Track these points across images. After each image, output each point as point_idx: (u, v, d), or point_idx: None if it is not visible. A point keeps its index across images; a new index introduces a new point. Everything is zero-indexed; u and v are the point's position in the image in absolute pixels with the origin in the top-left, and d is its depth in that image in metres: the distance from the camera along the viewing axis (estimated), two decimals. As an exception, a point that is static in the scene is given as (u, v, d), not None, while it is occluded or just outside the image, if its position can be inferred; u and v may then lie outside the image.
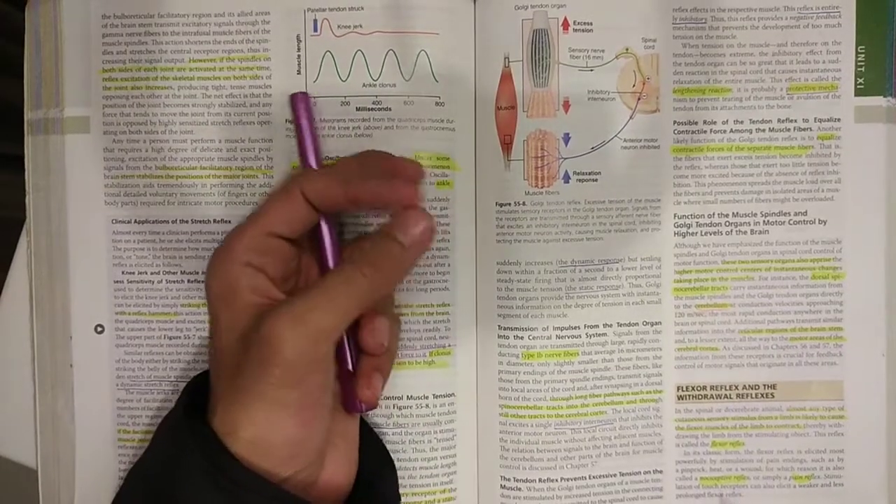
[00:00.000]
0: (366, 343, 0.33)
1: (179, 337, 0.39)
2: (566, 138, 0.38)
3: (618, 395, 0.39)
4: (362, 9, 0.38)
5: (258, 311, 0.32)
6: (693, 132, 0.39)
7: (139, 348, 0.39)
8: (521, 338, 0.39)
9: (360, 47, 0.38)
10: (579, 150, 0.39)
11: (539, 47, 0.38)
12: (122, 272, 0.39)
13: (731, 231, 0.39)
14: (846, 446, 0.39)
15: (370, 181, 0.33)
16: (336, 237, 0.36)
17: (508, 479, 0.39)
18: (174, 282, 0.39)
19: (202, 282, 0.39)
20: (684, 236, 0.39)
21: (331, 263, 0.35)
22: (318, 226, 0.35)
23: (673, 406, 0.40)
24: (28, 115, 0.40)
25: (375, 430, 0.38)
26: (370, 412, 0.38)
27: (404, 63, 0.38)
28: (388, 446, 0.38)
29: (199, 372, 0.37)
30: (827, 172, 0.39)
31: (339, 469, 0.34)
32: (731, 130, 0.39)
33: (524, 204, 0.38)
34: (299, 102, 0.37)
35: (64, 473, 0.39)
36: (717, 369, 0.40)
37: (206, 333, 0.39)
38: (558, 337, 0.39)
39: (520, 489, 0.39)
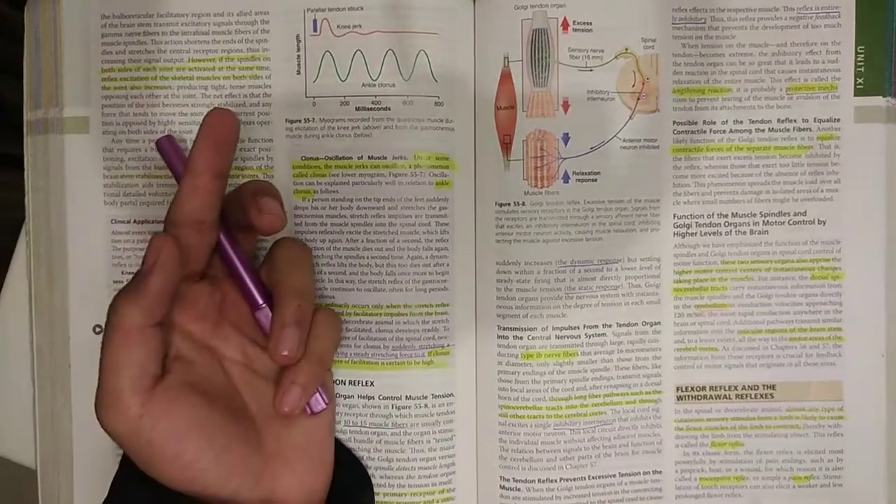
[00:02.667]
0: (271, 354, 0.33)
1: (179, 337, 0.39)
2: (566, 138, 0.38)
3: (617, 395, 0.39)
4: (362, 9, 0.38)
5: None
6: (692, 132, 0.39)
7: (138, 348, 0.39)
8: (521, 338, 0.39)
9: (360, 47, 0.38)
10: (579, 150, 0.39)
11: (539, 47, 0.38)
12: (122, 272, 0.39)
13: (731, 231, 0.39)
14: (845, 447, 0.39)
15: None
16: (235, 242, 0.34)
17: (507, 480, 0.39)
18: (173, 282, 0.39)
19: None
20: (684, 236, 0.39)
21: (240, 269, 0.34)
22: (218, 240, 0.34)
23: (672, 406, 0.40)
24: (28, 115, 0.40)
25: (374, 430, 0.38)
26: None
27: (404, 63, 0.38)
28: (387, 446, 0.38)
29: None
30: (826, 172, 0.39)
31: (299, 486, 0.34)
32: (731, 130, 0.39)
33: (524, 204, 0.38)
34: (167, 146, 0.35)
35: (63, 474, 0.39)
36: (717, 370, 0.40)
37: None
38: (558, 337, 0.39)
39: (519, 489, 0.39)
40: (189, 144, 0.39)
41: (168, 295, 0.30)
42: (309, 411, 0.34)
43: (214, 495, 0.31)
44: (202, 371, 0.33)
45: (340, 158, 0.38)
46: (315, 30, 0.38)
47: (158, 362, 0.31)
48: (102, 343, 0.30)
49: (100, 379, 0.30)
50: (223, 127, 0.32)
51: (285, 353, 0.32)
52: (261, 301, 0.34)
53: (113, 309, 0.30)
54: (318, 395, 0.34)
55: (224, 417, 0.32)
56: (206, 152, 0.32)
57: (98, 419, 0.30)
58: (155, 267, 0.30)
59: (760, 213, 0.39)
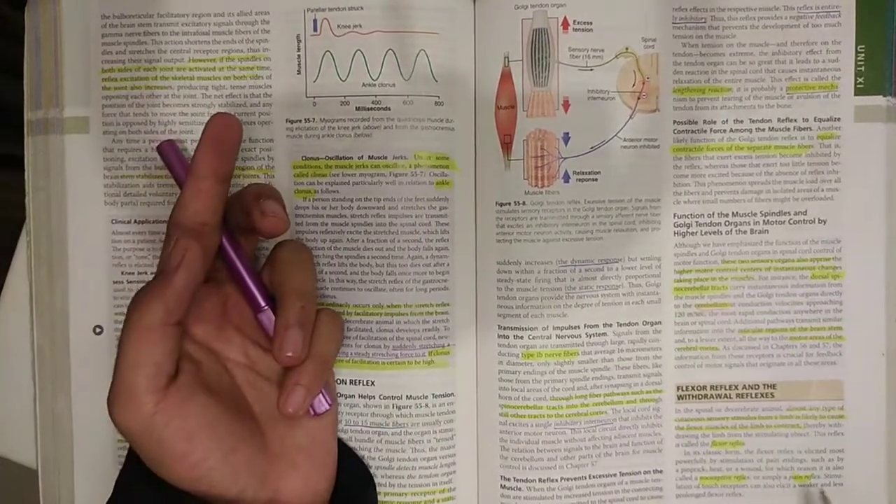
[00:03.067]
0: (275, 356, 0.33)
1: (179, 337, 0.39)
2: (566, 138, 0.38)
3: (618, 394, 0.39)
4: (362, 9, 0.38)
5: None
6: (693, 132, 0.39)
7: (139, 348, 0.39)
8: (521, 337, 0.39)
9: (360, 47, 0.38)
10: (579, 150, 0.39)
11: (539, 47, 0.38)
12: (122, 272, 0.39)
13: (731, 231, 0.39)
14: (846, 446, 0.39)
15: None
16: (236, 244, 0.34)
17: (508, 479, 0.39)
18: (174, 282, 0.39)
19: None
20: (684, 236, 0.39)
21: (242, 271, 0.34)
22: (220, 243, 0.34)
23: (673, 406, 0.40)
24: (28, 115, 0.40)
25: (375, 429, 0.38)
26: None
27: (404, 63, 0.38)
28: (387, 446, 0.38)
29: None
30: (827, 172, 0.39)
31: (303, 486, 0.34)
32: (731, 130, 0.39)
33: (524, 204, 0.38)
34: (168, 150, 0.35)
35: (64, 474, 0.39)
36: (717, 369, 0.40)
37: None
38: (558, 336, 0.39)
39: (520, 489, 0.39)
40: (189, 145, 0.39)
41: (190, 295, 0.31)
42: (312, 412, 0.34)
43: (221, 495, 0.31)
44: (209, 372, 0.33)
45: (341, 158, 0.38)
46: (315, 30, 0.38)
47: (174, 362, 0.31)
48: (121, 339, 0.30)
49: (115, 375, 0.30)
50: (226, 130, 0.32)
51: (289, 354, 0.32)
52: (263, 303, 0.34)
53: (135, 305, 0.31)
54: (321, 395, 0.34)
55: (231, 418, 0.32)
56: (209, 156, 0.32)
57: (110, 415, 0.30)
58: (180, 266, 0.30)
59: (761, 212, 0.39)
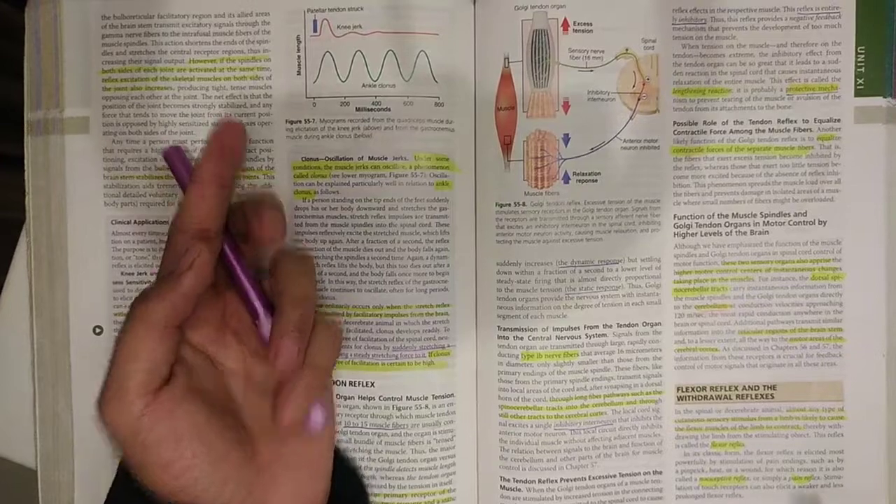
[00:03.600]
0: (271, 361, 0.32)
1: (179, 337, 0.39)
2: (566, 139, 0.38)
3: (617, 395, 0.39)
4: (362, 9, 0.38)
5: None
6: (693, 133, 0.39)
7: (139, 349, 0.39)
8: (521, 338, 0.39)
9: (360, 48, 0.38)
10: (579, 151, 0.39)
11: (539, 48, 0.38)
12: (122, 273, 0.39)
13: (731, 232, 0.39)
14: (846, 447, 0.39)
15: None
16: (237, 250, 0.34)
17: (508, 480, 0.39)
18: (174, 282, 0.39)
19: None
20: (684, 237, 0.39)
21: (242, 278, 0.34)
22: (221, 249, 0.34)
23: (673, 407, 0.40)
24: (28, 115, 0.40)
25: (375, 430, 0.38)
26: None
27: (404, 63, 0.38)
28: (387, 447, 0.38)
29: None
30: (827, 173, 0.39)
31: (292, 499, 0.33)
32: (731, 131, 0.39)
33: (524, 204, 0.38)
34: (173, 156, 0.35)
35: (64, 474, 0.39)
36: (717, 370, 0.40)
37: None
38: (558, 338, 0.39)
39: (519, 490, 0.39)
40: (190, 145, 0.39)
41: (196, 298, 0.31)
42: (309, 429, 0.34)
43: None
44: (203, 379, 0.33)
45: (341, 159, 0.38)
46: (315, 30, 0.38)
47: (169, 365, 0.31)
48: (119, 336, 0.30)
49: (109, 370, 0.30)
50: (232, 137, 0.33)
51: (285, 359, 0.32)
52: (262, 310, 0.34)
53: (140, 302, 0.30)
54: (318, 412, 0.34)
55: (222, 426, 0.32)
56: (214, 162, 0.32)
57: (98, 412, 0.30)
58: (191, 269, 0.30)
59: (761, 213, 0.39)
